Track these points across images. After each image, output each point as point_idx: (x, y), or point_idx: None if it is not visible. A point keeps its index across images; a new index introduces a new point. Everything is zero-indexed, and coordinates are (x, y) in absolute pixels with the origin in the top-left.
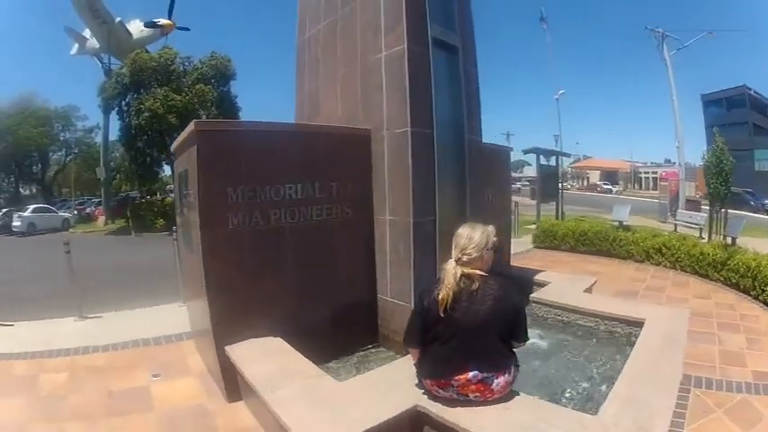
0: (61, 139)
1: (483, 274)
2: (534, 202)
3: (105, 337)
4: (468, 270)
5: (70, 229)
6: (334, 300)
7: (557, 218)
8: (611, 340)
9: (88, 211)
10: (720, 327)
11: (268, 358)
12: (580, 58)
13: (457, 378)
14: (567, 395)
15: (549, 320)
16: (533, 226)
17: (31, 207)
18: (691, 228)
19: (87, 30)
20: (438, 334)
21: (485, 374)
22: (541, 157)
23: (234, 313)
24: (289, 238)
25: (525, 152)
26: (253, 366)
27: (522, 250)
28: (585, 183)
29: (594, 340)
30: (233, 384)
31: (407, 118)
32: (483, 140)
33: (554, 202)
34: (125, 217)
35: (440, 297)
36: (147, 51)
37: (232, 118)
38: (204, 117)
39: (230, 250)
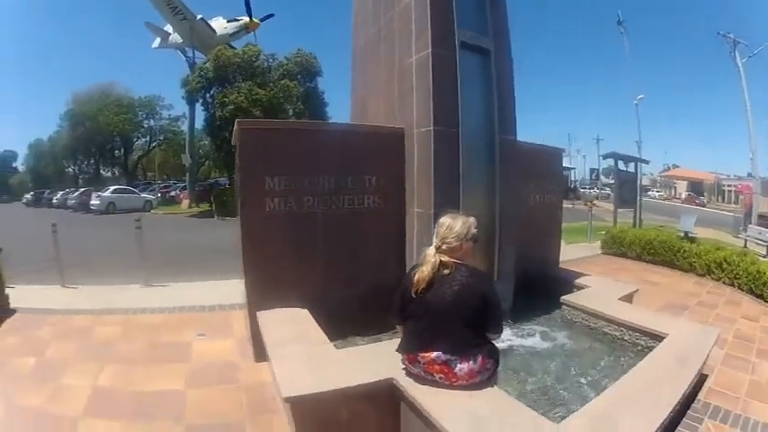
0: (145, 126)
1: (458, 262)
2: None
3: (164, 302)
4: (445, 258)
5: (152, 210)
6: (363, 281)
7: (633, 225)
8: (632, 351)
9: (173, 194)
10: (759, 354)
11: (287, 325)
12: (660, 64)
13: (423, 355)
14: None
15: (577, 324)
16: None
17: (112, 188)
18: (759, 244)
19: (169, 25)
20: (411, 312)
21: (448, 357)
22: (620, 162)
23: (267, 285)
24: (320, 224)
25: (604, 157)
26: (272, 330)
27: (588, 255)
28: (673, 192)
29: (614, 349)
30: (260, 346)
31: (431, 117)
32: (556, 146)
33: (632, 209)
34: (209, 201)
35: (415, 279)
36: (232, 47)
37: (319, 113)
38: (290, 111)
39: (266, 230)
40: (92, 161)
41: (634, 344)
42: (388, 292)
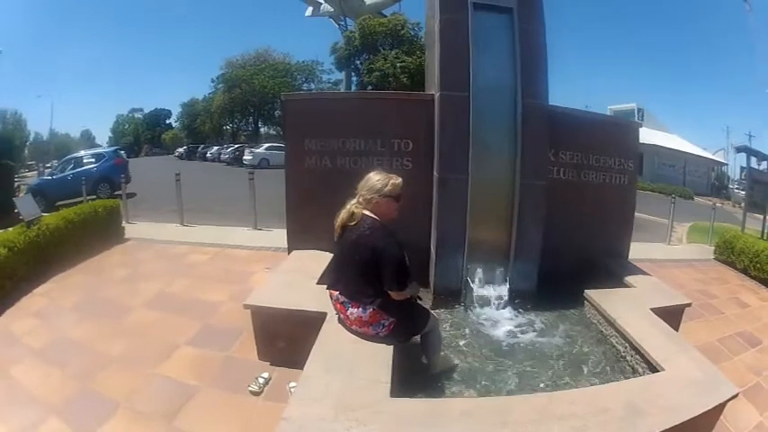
0: (305, 89)
1: (367, 214)
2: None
3: (257, 242)
4: (357, 209)
5: None
6: None
7: (761, 236)
8: (624, 376)
9: None
10: None
11: (300, 261)
12: None
13: (330, 292)
14: None
15: (592, 326)
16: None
17: (266, 145)
18: None
19: None
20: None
21: (343, 298)
22: (753, 159)
23: (303, 229)
24: (349, 181)
25: (737, 150)
26: (287, 262)
27: (697, 258)
28: None
29: (603, 368)
30: None
31: (437, 83)
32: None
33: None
34: None
35: (335, 224)
36: (384, 16)
37: None
38: None
39: (304, 184)
40: (250, 120)
41: (633, 369)
42: (416, 253)
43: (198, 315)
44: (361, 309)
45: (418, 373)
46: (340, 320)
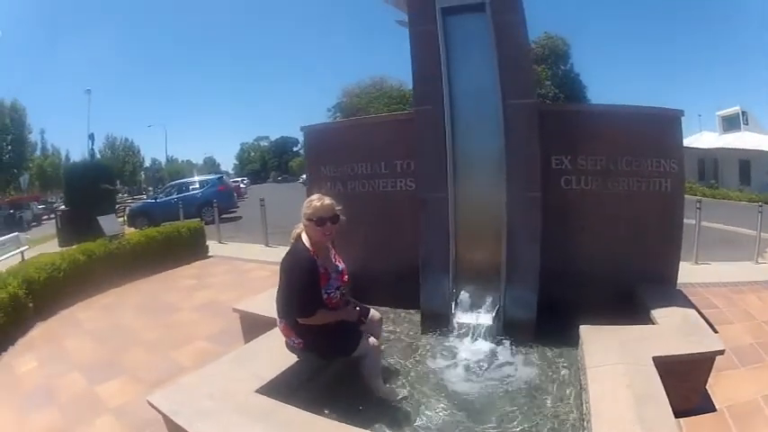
0: None
1: (302, 238)
2: None
3: None
4: (295, 232)
5: None
6: (397, 260)
7: None
8: None
9: None
10: None
11: None
12: None
13: None
14: None
15: (576, 375)
16: None
17: None
18: None
19: None
20: None
21: (277, 310)
22: None
23: None
24: (361, 204)
25: None
26: None
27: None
28: None
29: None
30: None
31: (415, 97)
32: None
33: None
34: None
35: None
36: None
37: (577, 95)
38: (541, 95)
39: None
40: None
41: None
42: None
43: (227, 319)
44: (279, 320)
45: (347, 390)
46: None
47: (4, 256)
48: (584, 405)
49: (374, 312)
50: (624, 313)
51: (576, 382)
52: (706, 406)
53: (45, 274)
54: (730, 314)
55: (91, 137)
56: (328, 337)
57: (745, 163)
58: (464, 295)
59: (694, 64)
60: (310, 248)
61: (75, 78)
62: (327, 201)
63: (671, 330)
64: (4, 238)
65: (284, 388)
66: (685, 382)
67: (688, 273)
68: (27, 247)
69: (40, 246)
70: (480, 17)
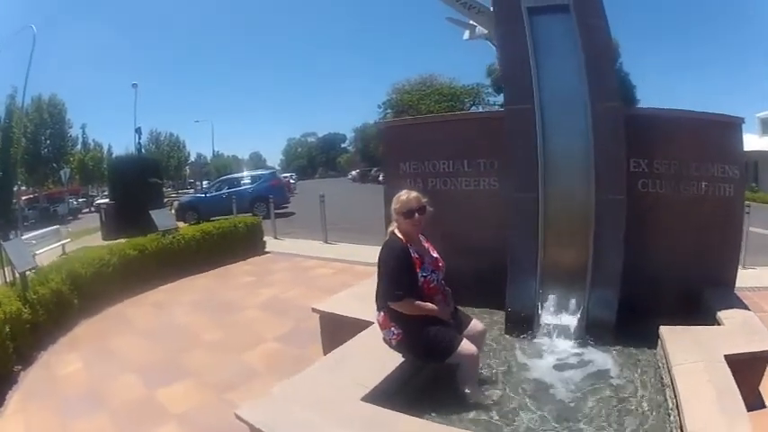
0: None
1: (395, 232)
2: None
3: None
4: (391, 228)
5: None
6: (477, 257)
7: None
8: None
9: None
10: None
11: None
12: None
13: None
14: None
15: (658, 373)
16: None
17: None
18: None
19: None
20: None
21: (376, 301)
22: None
23: None
24: (442, 201)
25: None
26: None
27: None
28: None
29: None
30: None
31: (506, 97)
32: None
33: None
34: None
35: None
36: None
37: (626, 94)
38: None
39: None
40: None
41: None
42: (502, 273)
43: (296, 318)
44: (378, 311)
45: (442, 394)
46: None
47: (45, 249)
48: (668, 400)
49: (476, 323)
50: (690, 314)
51: (655, 379)
52: (756, 403)
53: (92, 269)
54: None
55: (138, 131)
56: (424, 336)
57: None
58: (550, 296)
59: (735, 65)
60: (403, 239)
61: (121, 73)
62: (414, 194)
63: (736, 330)
64: (44, 230)
65: (390, 394)
66: (745, 378)
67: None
68: (69, 240)
69: (82, 239)
70: (565, 18)
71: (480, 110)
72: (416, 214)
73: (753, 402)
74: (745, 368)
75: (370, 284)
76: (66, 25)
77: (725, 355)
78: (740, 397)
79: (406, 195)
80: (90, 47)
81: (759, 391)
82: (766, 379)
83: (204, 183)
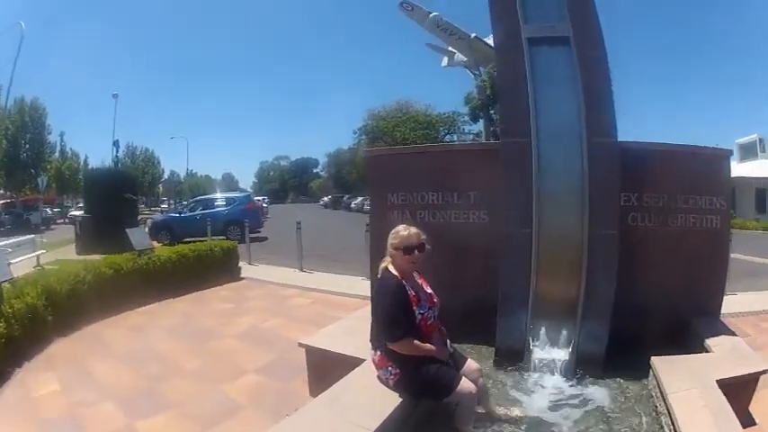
0: (446, 140)
1: (389, 268)
2: None
3: (360, 291)
4: (383, 264)
5: None
6: (464, 293)
7: None
8: None
9: None
10: None
11: None
12: None
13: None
14: None
15: (650, 402)
16: None
17: None
18: None
19: None
20: None
21: (371, 341)
22: None
23: None
24: (430, 235)
25: None
26: (365, 309)
27: None
28: None
29: None
30: None
31: (504, 129)
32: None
33: None
34: None
35: None
36: None
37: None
38: None
39: (386, 237)
40: None
41: None
42: (488, 309)
43: (276, 350)
44: (374, 351)
45: None
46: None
47: (20, 258)
48: (664, 427)
49: (471, 362)
50: (678, 343)
51: (650, 408)
52: (747, 421)
53: (68, 286)
54: (761, 341)
55: (116, 143)
56: (422, 376)
57: (762, 191)
58: (541, 330)
59: (715, 93)
60: (398, 275)
61: (99, 84)
62: (414, 230)
63: (724, 356)
64: (20, 239)
65: None
66: (737, 400)
67: None
68: (44, 251)
69: (56, 251)
70: (564, 51)
71: (455, 139)
72: (416, 251)
73: (744, 421)
74: (736, 391)
75: (357, 318)
76: (50, 27)
77: (717, 381)
78: (736, 418)
79: (406, 231)
80: (73, 52)
81: (749, 411)
82: (758, 397)
83: (173, 202)
